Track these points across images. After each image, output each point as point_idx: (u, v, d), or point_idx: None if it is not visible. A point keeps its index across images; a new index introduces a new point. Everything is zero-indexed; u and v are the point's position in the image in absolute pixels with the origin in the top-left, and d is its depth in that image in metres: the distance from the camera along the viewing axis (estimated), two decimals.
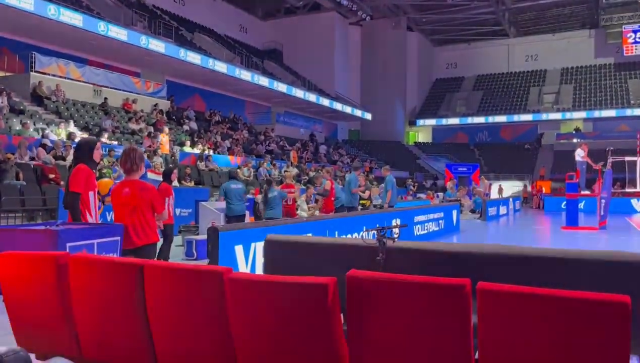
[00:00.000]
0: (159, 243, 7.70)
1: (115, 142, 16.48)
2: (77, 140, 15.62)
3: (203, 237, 8.96)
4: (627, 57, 39.69)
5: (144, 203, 4.08)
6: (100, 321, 2.65)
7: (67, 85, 18.91)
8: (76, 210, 4.44)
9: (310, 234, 6.56)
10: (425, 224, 12.17)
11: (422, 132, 46.25)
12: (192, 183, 15.68)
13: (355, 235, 8.02)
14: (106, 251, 3.88)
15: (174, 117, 22.98)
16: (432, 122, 44.45)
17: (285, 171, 18.86)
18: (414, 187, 27.78)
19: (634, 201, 24.31)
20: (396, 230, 3.52)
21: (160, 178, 12.40)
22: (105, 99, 19.96)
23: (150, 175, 12.98)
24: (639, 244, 11.08)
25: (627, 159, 16.93)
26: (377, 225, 3.37)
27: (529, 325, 1.86)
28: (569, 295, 1.81)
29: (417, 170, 36.72)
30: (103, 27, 19.57)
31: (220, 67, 25.57)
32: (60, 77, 19.05)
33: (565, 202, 17.04)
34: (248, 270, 5.29)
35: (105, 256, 3.69)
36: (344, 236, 7.69)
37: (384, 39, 40.97)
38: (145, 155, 13.76)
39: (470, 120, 42.69)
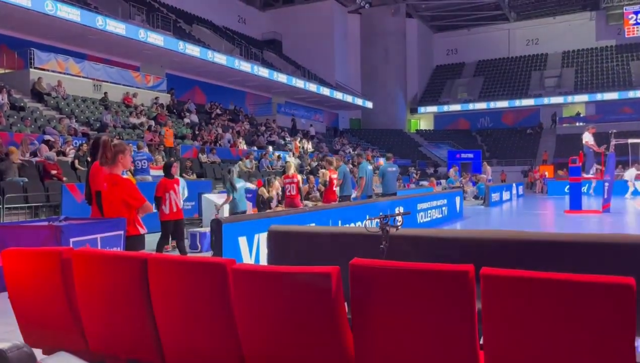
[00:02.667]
0: (152, 236, 7.76)
1: (118, 137, 16.47)
2: (78, 135, 15.64)
3: (207, 229, 8.97)
4: (629, 39, 39.38)
5: (116, 199, 4.07)
6: (105, 315, 2.66)
7: (66, 80, 18.89)
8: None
9: (313, 224, 6.57)
10: (429, 211, 12.16)
11: (423, 119, 46.10)
12: (194, 176, 15.69)
13: (358, 224, 8.02)
14: (109, 245, 3.89)
15: (174, 111, 22.96)
16: (433, 109, 44.29)
17: (286, 162, 18.84)
18: (416, 174, 27.75)
19: (638, 184, 24.21)
20: (399, 218, 3.51)
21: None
22: (105, 93, 19.95)
23: (152, 171, 12.99)
24: None
25: (631, 141, 16.85)
26: (380, 213, 3.37)
27: (533, 310, 1.86)
28: (572, 278, 1.80)
29: (419, 158, 36.66)
30: (101, 22, 19.49)
31: (220, 58, 25.49)
32: (60, 72, 19.02)
33: (568, 186, 17.01)
34: (252, 261, 5.30)
35: (109, 250, 3.70)
36: (347, 225, 7.69)
37: (383, 26, 40.72)
38: (145, 149, 13.78)
39: (471, 106, 42.52)
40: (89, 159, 5.57)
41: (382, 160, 12.04)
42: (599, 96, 38.49)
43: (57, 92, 18.23)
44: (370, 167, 11.35)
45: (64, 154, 13.57)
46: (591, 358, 1.78)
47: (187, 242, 9.13)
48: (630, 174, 21.05)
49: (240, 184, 9.39)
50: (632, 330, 1.72)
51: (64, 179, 11.82)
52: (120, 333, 2.64)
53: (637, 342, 1.76)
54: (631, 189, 21.26)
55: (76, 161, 13.05)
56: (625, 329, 1.73)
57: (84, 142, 14.40)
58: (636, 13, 38.39)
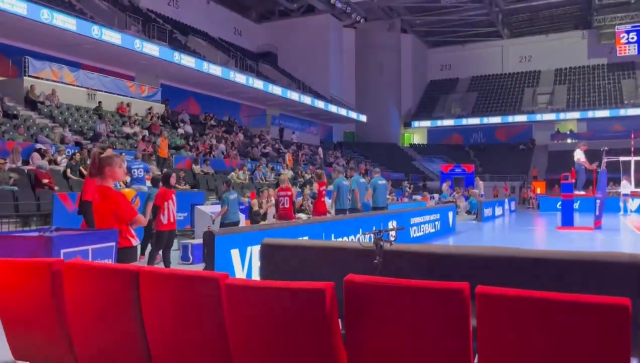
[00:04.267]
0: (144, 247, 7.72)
1: (111, 146, 16.39)
2: (71, 144, 15.57)
3: (199, 241, 8.91)
4: (620, 58, 39.90)
5: (107, 212, 4.04)
6: (95, 328, 2.62)
7: (60, 89, 18.83)
8: None
9: (306, 237, 6.54)
10: (422, 226, 12.17)
11: (417, 133, 46.33)
12: (188, 187, 15.63)
13: (352, 237, 8.00)
14: (101, 257, 3.84)
15: (168, 121, 22.93)
16: (427, 123, 44.54)
17: (280, 174, 18.83)
18: (409, 188, 27.81)
19: (628, 200, 24.38)
20: (393, 233, 3.50)
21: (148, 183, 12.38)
22: (100, 103, 19.90)
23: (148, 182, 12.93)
24: (634, 244, 11.10)
25: (622, 159, 17.01)
26: (374, 228, 3.36)
27: (528, 329, 1.85)
28: (568, 298, 1.80)
29: (412, 172, 36.78)
30: (97, 31, 19.50)
31: (215, 70, 25.54)
32: (54, 81, 18.97)
33: (560, 203, 17.10)
34: (244, 274, 5.26)
35: (100, 262, 3.66)
36: (340, 239, 7.67)
37: (378, 41, 41.04)
38: (140, 158, 13.73)
39: (464, 121, 42.81)
40: (82, 169, 5.58)
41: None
42: (590, 114, 38.89)
43: (51, 100, 18.17)
44: (344, 182, 11.07)
45: (56, 163, 13.48)
46: None
47: (178, 254, 9.08)
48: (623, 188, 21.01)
49: (234, 196, 9.39)
50: (627, 351, 1.72)
51: (56, 188, 11.73)
52: (110, 346, 2.60)
53: (632, 362, 1.75)
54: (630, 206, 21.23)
55: (68, 170, 12.96)
56: (620, 350, 1.72)
57: (76, 151, 14.33)
58: (628, 32, 38.95)
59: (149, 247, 8.25)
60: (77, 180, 12.50)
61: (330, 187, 12.74)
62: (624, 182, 19.55)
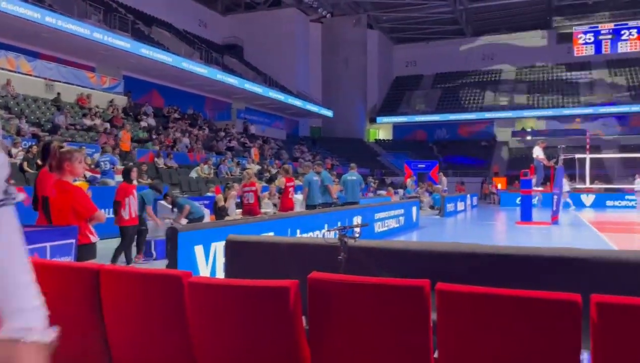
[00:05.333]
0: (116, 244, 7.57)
1: (70, 139, 15.94)
2: (27, 136, 15.06)
3: (162, 236, 8.79)
4: (578, 58, 41.21)
5: (65, 207, 3.95)
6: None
7: (16, 79, 18.15)
8: None
9: (271, 233, 6.54)
10: (386, 221, 12.30)
11: (382, 129, 46.75)
12: (150, 181, 15.34)
13: (317, 233, 8.04)
14: (60, 254, 3.75)
15: (131, 113, 22.43)
16: (392, 119, 45.00)
17: (245, 169, 18.72)
18: (374, 184, 28.05)
19: (583, 196, 25.29)
20: (357, 229, 3.55)
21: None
22: (58, 94, 19.29)
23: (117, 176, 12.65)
24: (589, 239, 11.53)
25: (578, 156, 17.60)
26: (339, 224, 3.39)
27: (485, 324, 1.91)
28: (522, 294, 1.86)
29: (377, 167, 37.11)
30: (55, 20, 18.89)
31: (179, 62, 25.12)
32: (10, 70, 18.29)
33: (520, 198, 17.59)
34: (208, 271, 5.22)
35: (59, 260, 3.57)
36: (305, 234, 7.69)
37: (344, 36, 41.15)
38: (100, 153, 13.42)
39: (429, 118, 43.45)
40: (39, 162, 5.43)
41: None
42: (549, 112, 40.12)
43: (7, 90, 17.51)
44: (315, 178, 11.05)
45: (12, 156, 13.03)
46: None
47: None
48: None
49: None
50: (578, 343, 1.80)
51: (12, 181, 11.30)
52: (69, 346, 2.55)
53: (582, 355, 1.83)
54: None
55: (25, 163, 12.55)
56: (571, 343, 1.80)
57: (33, 143, 13.88)
58: (585, 33, 40.23)
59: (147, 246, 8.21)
60: (34, 173, 12.11)
61: (300, 183, 12.74)
62: (564, 181, 20.85)
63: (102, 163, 12.49)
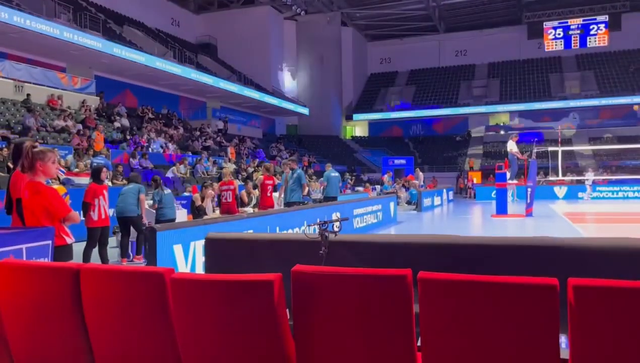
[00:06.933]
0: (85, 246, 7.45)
1: (41, 141, 15.60)
2: None
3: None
4: (548, 53, 42.02)
5: (37, 208, 3.89)
6: (33, 330, 2.52)
7: None
8: None
9: (251, 231, 6.52)
10: (365, 217, 12.39)
11: (358, 126, 46.94)
12: (125, 182, 15.13)
13: (297, 229, 8.05)
14: (36, 256, 3.68)
15: (104, 114, 22.07)
16: (368, 116, 45.22)
17: (222, 168, 18.60)
18: (351, 180, 28.16)
19: (556, 188, 25.83)
20: (337, 224, 3.57)
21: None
22: (28, 95, 18.86)
23: (80, 179, 12.44)
24: (562, 229, 11.80)
25: (550, 149, 17.97)
26: (319, 220, 3.41)
27: (466, 311, 1.95)
28: (501, 280, 1.91)
29: (354, 164, 37.26)
30: (23, 19, 18.45)
31: (152, 61, 24.80)
32: None
33: (495, 192, 17.87)
34: (188, 270, 5.19)
35: (35, 261, 3.50)
36: (285, 231, 7.69)
37: (319, 34, 41.17)
38: (72, 155, 13.17)
39: (404, 114, 43.78)
40: (10, 164, 5.30)
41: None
42: (522, 106, 40.81)
43: None
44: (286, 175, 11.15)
45: None
46: (519, 354, 1.89)
47: (118, 251, 8.81)
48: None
49: (167, 191, 9.24)
50: (556, 327, 1.85)
51: None
52: (50, 348, 2.51)
53: (561, 339, 1.88)
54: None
55: None
56: (550, 326, 1.85)
57: (3, 146, 13.55)
58: (555, 28, 41.03)
59: (146, 245, 8.00)
60: (6, 176, 11.83)
61: (278, 181, 12.78)
62: (589, 172, 24.22)
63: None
